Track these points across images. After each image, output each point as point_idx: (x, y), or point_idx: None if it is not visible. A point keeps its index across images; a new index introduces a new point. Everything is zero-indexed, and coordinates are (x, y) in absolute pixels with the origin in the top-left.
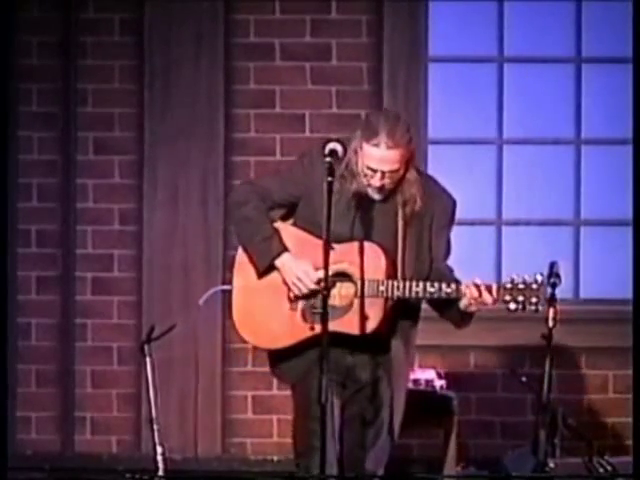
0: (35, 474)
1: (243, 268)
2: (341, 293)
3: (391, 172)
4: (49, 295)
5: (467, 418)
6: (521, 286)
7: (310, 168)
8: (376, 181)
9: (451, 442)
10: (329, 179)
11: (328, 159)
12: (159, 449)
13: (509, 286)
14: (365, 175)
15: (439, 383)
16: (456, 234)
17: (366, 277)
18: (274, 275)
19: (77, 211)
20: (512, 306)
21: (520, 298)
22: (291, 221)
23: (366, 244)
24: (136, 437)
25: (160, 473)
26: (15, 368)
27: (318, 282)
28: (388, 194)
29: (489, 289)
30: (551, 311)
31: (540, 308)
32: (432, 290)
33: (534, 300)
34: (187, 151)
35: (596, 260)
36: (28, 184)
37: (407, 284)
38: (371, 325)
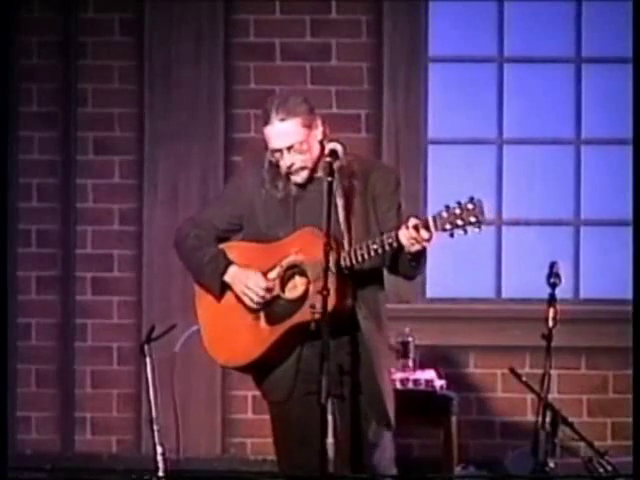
0: (35, 474)
1: (202, 299)
2: (291, 285)
3: (294, 147)
4: (49, 295)
5: (467, 418)
6: (457, 211)
7: (242, 183)
8: (285, 161)
9: (451, 442)
10: (329, 179)
11: (328, 159)
12: (159, 449)
13: (445, 215)
14: (277, 161)
15: (439, 383)
16: (456, 234)
17: (313, 260)
18: (231, 293)
19: (77, 211)
20: (454, 233)
21: (459, 222)
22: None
23: (304, 230)
24: (136, 437)
25: (160, 473)
26: (15, 368)
27: (268, 289)
28: (313, 178)
29: (426, 224)
30: (551, 311)
31: (482, 226)
32: (375, 247)
33: (473, 220)
34: (187, 151)
35: (596, 260)
36: (28, 184)
37: (351, 251)
38: (330, 304)
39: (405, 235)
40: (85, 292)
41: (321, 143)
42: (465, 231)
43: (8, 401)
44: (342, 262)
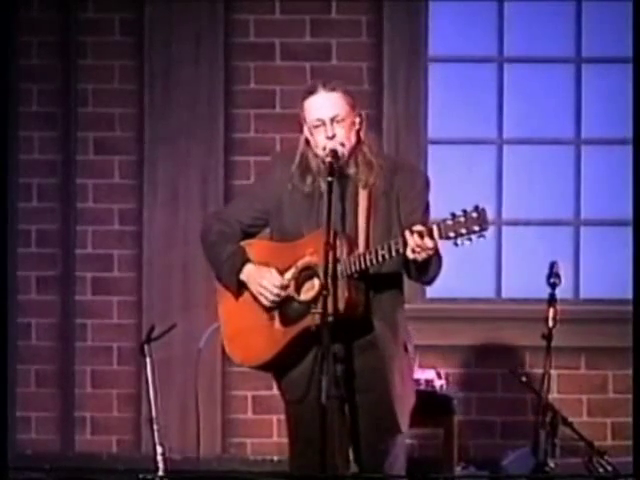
0: (35, 474)
1: (223, 296)
2: (307, 287)
3: (338, 121)
4: (49, 295)
5: (467, 418)
6: (462, 219)
7: (270, 177)
8: (327, 132)
9: (451, 442)
10: (329, 179)
11: (328, 159)
12: (159, 449)
13: (450, 222)
14: (318, 133)
15: (439, 383)
16: (461, 242)
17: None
18: (249, 291)
19: (77, 211)
20: (458, 241)
21: (463, 230)
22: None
23: (319, 231)
24: (136, 437)
25: (160, 473)
26: (15, 368)
27: (283, 287)
28: (343, 174)
29: (430, 232)
30: (551, 311)
31: (485, 234)
32: (383, 252)
33: (476, 228)
34: (187, 151)
35: (596, 260)
36: (28, 184)
37: (361, 255)
38: (340, 306)
39: (409, 242)
40: (85, 292)
41: (357, 134)
42: (470, 239)
43: (8, 401)
44: (353, 266)
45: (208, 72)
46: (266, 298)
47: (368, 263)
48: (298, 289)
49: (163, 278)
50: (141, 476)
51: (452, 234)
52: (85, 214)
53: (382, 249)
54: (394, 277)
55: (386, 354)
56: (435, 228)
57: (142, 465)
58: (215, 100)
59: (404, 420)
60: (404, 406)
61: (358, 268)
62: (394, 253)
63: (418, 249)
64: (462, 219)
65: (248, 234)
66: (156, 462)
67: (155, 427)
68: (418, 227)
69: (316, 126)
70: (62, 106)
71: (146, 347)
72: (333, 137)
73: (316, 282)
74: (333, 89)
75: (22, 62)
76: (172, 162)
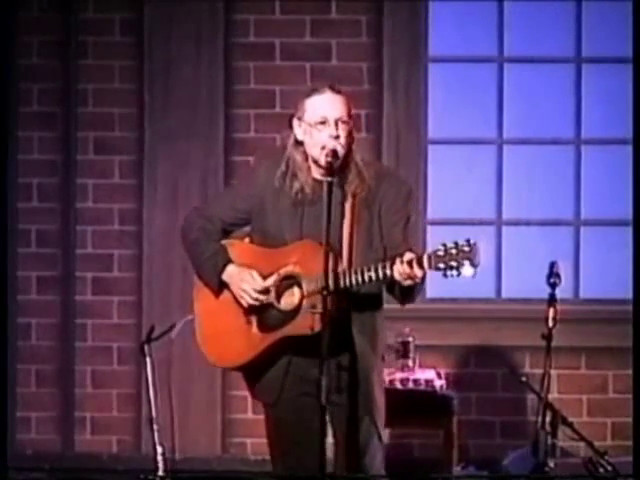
0: (35, 474)
1: (201, 293)
2: (288, 296)
3: (342, 122)
4: (49, 295)
5: (467, 418)
6: (453, 251)
7: (255, 178)
8: (332, 130)
9: (451, 442)
10: (329, 179)
11: (328, 159)
12: (159, 449)
13: (441, 253)
14: (318, 132)
15: (439, 383)
16: (456, 234)
17: (311, 275)
18: (229, 292)
19: (77, 211)
20: (447, 273)
21: (453, 263)
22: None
23: (305, 241)
24: (136, 437)
25: (160, 473)
26: (15, 368)
27: (264, 291)
28: (337, 178)
29: (420, 261)
30: (551, 311)
31: (475, 269)
32: (370, 274)
33: (466, 263)
34: (187, 151)
35: (596, 260)
36: (28, 184)
37: (347, 273)
38: (320, 322)
39: (398, 270)
40: (85, 292)
41: (351, 140)
42: (459, 273)
43: (8, 401)
44: (337, 283)
45: (208, 72)
46: (246, 301)
47: (354, 282)
48: (278, 297)
49: (163, 278)
50: (142, 476)
51: (442, 265)
52: (85, 214)
53: (369, 270)
54: (375, 290)
55: (368, 365)
56: (425, 259)
57: (142, 465)
58: (215, 100)
59: (382, 426)
60: (382, 416)
61: (342, 285)
62: (381, 276)
63: (406, 276)
64: (454, 251)
65: (228, 232)
66: (156, 462)
67: (155, 427)
68: (408, 256)
69: (318, 124)
70: (62, 106)
71: (146, 347)
72: (337, 137)
73: (296, 292)
74: (339, 91)
75: (22, 62)
76: (172, 162)
